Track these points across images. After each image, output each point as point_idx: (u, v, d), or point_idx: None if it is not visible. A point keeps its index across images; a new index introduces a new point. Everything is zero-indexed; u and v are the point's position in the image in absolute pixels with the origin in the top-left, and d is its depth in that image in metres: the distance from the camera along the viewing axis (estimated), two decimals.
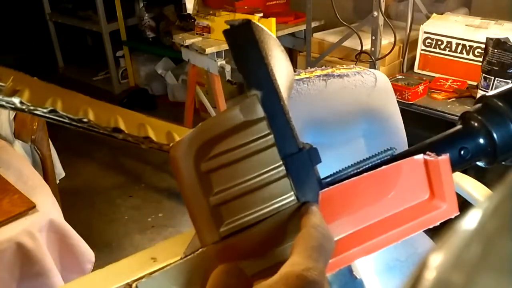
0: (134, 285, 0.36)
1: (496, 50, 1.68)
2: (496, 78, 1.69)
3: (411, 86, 1.80)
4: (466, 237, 0.17)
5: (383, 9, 1.85)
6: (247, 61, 0.35)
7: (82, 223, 1.97)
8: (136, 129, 0.38)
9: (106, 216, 2.38)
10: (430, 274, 0.17)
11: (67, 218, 1.36)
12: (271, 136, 0.36)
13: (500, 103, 0.41)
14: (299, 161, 0.36)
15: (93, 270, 1.41)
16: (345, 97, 1.21)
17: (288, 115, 0.36)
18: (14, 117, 1.66)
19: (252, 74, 0.35)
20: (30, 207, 1.24)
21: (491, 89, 1.69)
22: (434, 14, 2.05)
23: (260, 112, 0.35)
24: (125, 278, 0.37)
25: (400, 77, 1.92)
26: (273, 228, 0.37)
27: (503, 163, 0.43)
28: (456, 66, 1.94)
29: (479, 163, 0.43)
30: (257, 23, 0.36)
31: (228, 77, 2.22)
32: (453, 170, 0.39)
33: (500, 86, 1.67)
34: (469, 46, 1.89)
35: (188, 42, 2.28)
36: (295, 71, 1.26)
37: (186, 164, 0.35)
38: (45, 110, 0.36)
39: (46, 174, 1.62)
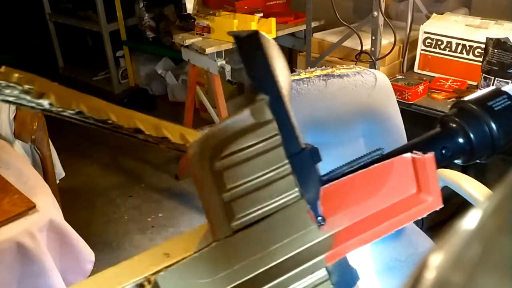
0: (152, 278, 0.39)
1: (496, 50, 1.68)
2: (496, 78, 1.69)
3: (411, 86, 1.80)
4: (466, 237, 0.17)
5: (383, 9, 1.85)
6: (256, 69, 0.38)
7: (82, 223, 1.97)
8: (154, 131, 0.41)
9: (106, 216, 2.38)
10: (430, 274, 0.17)
11: (67, 218, 1.36)
12: (279, 137, 0.38)
13: (475, 107, 0.46)
14: (302, 159, 0.39)
15: (92, 270, 1.41)
16: (345, 97, 1.21)
17: (292, 117, 0.39)
18: (14, 117, 1.66)
19: (260, 81, 0.38)
20: (30, 207, 1.24)
21: None
22: (434, 14, 2.05)
23: (269, 114, 0.38)
24: (140, 274, 0.39)
25: (400, 77, 1.92)
26: (280, 222, 0.40)
27: (478, 161, 0.48)
28: (456, 66, 1.94)
29: (457, 161, 0.48)
30: (263, 33, 0.39)
31: (228, 77, 2.22)
32: (436, 167, 0.43)
33: (500, 86, 1.66)
34: (469, 46, 1.89)
35: (188, 42, 2.28)
36: (295, 71, 1.26)
37: (202, 163, 0.38)
38: (72, 112, 0.39)
39: (46, 174, 1.62)
